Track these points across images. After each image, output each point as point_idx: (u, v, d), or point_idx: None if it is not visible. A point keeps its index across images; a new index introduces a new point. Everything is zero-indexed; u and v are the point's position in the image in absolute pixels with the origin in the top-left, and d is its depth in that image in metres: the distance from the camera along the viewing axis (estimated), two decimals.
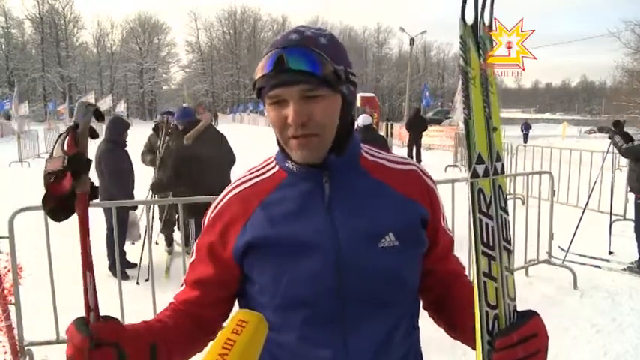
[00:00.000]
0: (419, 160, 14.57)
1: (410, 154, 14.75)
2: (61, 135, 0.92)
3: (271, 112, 1.00)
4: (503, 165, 0.89)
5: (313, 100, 0.96)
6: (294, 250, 1.01)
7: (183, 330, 1.07)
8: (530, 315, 0.90)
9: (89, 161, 0.93)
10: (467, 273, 1.23)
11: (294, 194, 1.05)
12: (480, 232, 0.85)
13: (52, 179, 0.89)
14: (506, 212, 0.88)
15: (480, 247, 0.85)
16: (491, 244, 0.85)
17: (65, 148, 0.89)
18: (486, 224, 0.85)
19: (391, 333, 1.05)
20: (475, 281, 0.86)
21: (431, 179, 1.14)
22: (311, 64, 0.94)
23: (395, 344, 1.06)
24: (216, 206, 1.11)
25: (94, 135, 0.95)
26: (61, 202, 0.89)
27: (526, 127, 26.69)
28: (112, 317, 0.93)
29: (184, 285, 1.14)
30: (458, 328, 1.11)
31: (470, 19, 0.84)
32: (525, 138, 24.27)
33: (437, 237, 1.13)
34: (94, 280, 0.92)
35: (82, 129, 0.92)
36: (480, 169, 0.84)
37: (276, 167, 1.10)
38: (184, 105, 8.19)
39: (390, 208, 1.05)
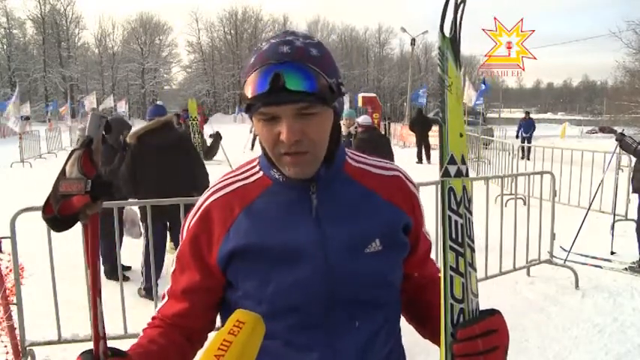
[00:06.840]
0: (428, 159, 14.47)
1: (419, 155, 14.70)
2: (74, 150, 0.86)
3: (261, 128, 0.96)
4: (467, 168, 0.92)
5: (307, 118, 0.94)
6: (281, 258, 1.00)
7: (177, 348, 1.05)
8: (492, 312, 0.92)
9: (112, 185, 0.89)
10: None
11: (280, 202, 1.03)
12: (449, 228, 0.88)
13: (63, 199, 0.83)
14: (470, 212, 0.92)
15: (448, 243, 0.89)
16: (459, 240, 0.89)
17: (82, 167, 0.84)
18: (455, 221, 0.89)
19: (377, 333, 1.06)
20: (442, 274, 0.89)
21: (413, 184, 1.15)
22: (309, 83, 0.90)
23: (380, 343, 1.07)
24: (195, 212, 1.06)
25: (104, 141, 0.90)
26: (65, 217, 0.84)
27: (526, 127, 17.08)
28: (120, 351, 0.92)
29: (168, 298, 1.10)
30: (428, 328, 1.13)
31: (447, 31, 0.89)
32: (528, 141, 14.93)
33: (417, 243, 1.15)
34: (101, 306, 0.89)
35: (96, 144, 0.87)
36: (452, 169, 0.89)
37: (260, 173, 1.07)
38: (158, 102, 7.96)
39: (376, 214, 1.05)
